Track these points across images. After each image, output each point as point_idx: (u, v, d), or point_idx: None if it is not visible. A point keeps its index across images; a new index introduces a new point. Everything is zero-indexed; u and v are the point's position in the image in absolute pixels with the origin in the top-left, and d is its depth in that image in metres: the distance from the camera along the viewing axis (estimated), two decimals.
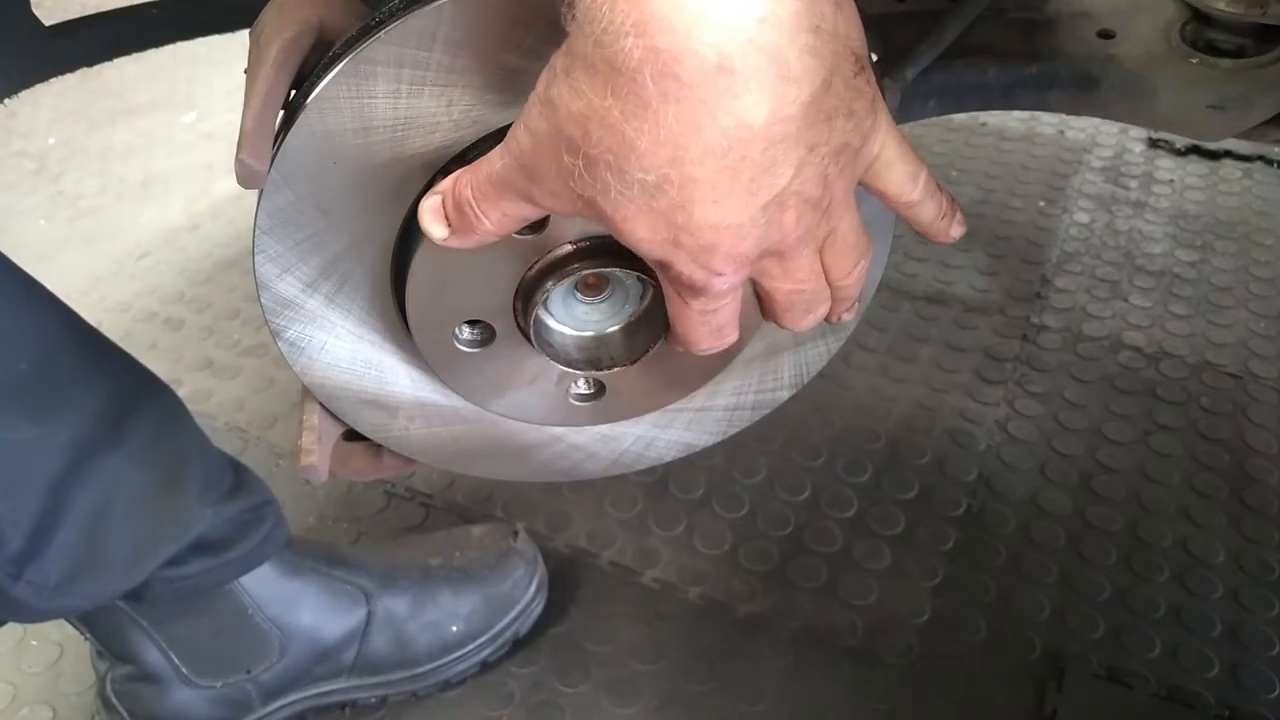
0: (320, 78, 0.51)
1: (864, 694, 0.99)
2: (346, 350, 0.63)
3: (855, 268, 0.48)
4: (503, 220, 0.45)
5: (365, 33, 0.49)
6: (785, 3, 0.34)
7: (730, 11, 0.34)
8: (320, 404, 0.66)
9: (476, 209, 0.45)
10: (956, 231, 0.51)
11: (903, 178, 0.47)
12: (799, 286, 0.46)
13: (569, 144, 0.39)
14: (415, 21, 0.48)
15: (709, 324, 0.47)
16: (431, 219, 0.46)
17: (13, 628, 1.05)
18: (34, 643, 1.07)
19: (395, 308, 0.60)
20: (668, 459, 0.75)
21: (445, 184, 0.47)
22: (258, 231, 0.56)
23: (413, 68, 0.49)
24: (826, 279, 0.47)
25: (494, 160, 0.44)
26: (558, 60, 0.39)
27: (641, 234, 0.41)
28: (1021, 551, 1.12)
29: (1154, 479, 1.20)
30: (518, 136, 0.42)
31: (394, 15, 0.49)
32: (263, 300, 0.59)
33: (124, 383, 0.81)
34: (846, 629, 1.05)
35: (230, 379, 1.38)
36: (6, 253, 0.75)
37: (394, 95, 0.50)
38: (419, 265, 0.55)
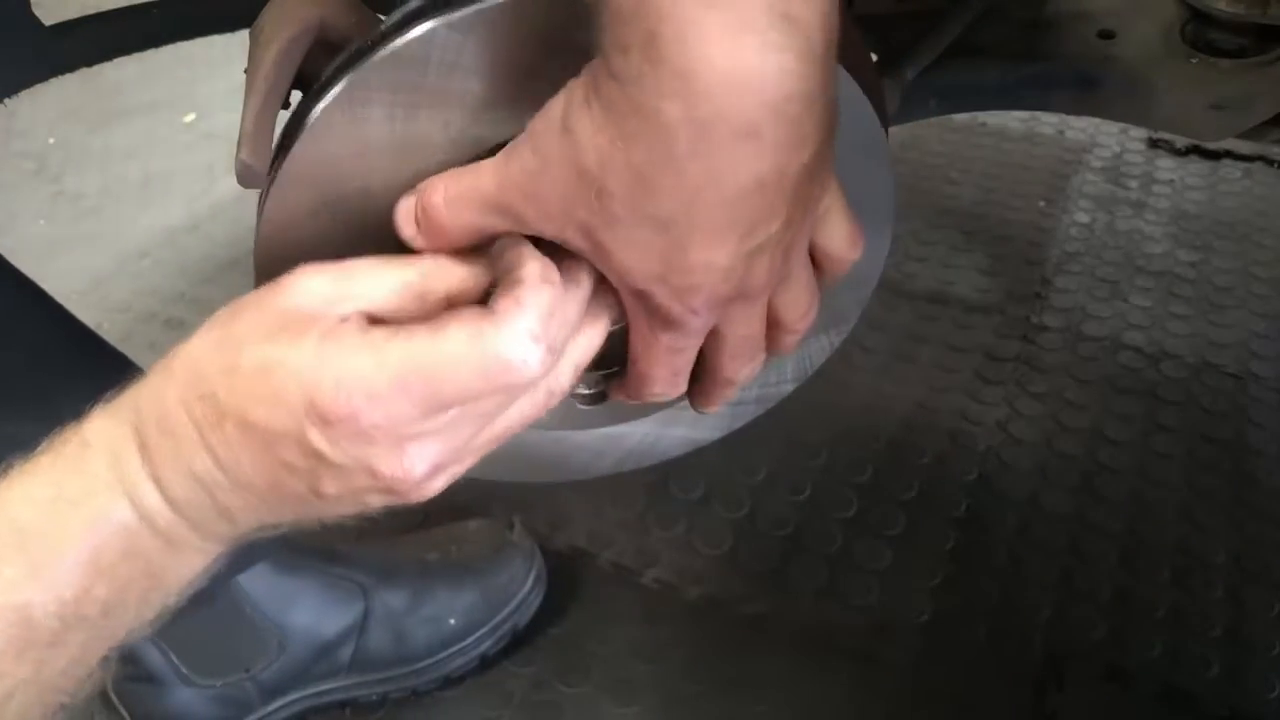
0: (314, 103, 0.50)
1: (864, 694, 0.99)
2: None
3: (810, 309, 0.49)
4: (472, 233, 0.46)
5: (358, 56, 0.49)
6: (810, 79, 0.36)
7: (767, 90, 0.36)
8: None
9: (446, 218, 0.46)
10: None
11: (845, 234, 0.48)
12: (751, 332, 0.48)
13: (583, 174, 0.39)
14: (408, 45, 0.48)
15: (671, 364, 0.48)
16: (403, 219, 0.47)
17: None
18: None
19: None
20: (673, 455, 0.75)
21: (424, 185, 0.47)
22: (257, 262, 0.55)
23: (408, 91, 0.49)
24: (781, 324, 0.49)
25: (483, 175, 0.44)
26: (578, 90, 0.39)
27: (631, 264, 0.41)
28: (1021, 551, 1.12)
29: (1154, 479, 1.20)
30: (522, 158, 0.42)
31: (386, 37, 0.49)
32: None
33: (119, 381, 0.81)
34: (846, 629, 1.05)
35: None
36: (6, 253, 0.75)
37: (389, 120, 0.50)
38: None
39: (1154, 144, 1.81)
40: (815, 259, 0.49)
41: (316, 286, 0.43)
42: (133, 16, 0.91)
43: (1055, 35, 0.79)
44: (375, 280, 0.43)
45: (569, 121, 0.40)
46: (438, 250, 0.47)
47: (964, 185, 1.73)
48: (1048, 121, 1.88)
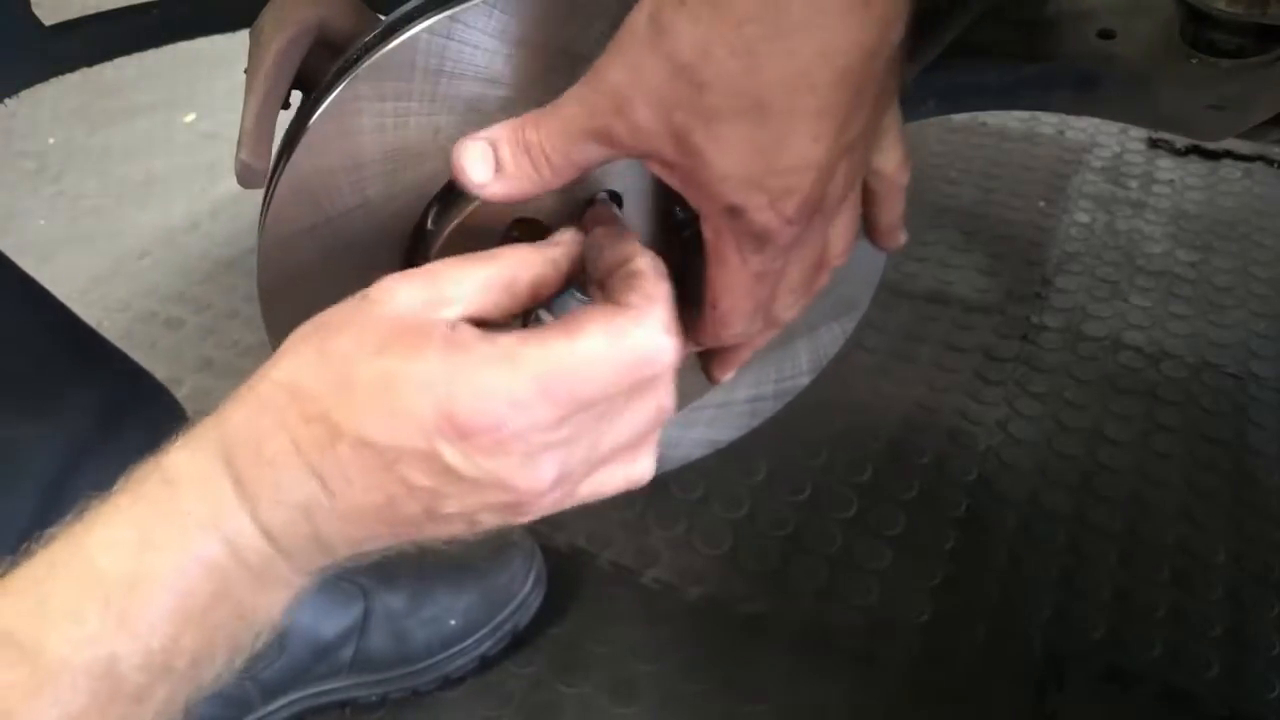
0: (306, 118, 0.50)
1: (864, 694, 0.99)
2: None
3: (851, 241, 0.49)
4: (570, 168, 0.45)
5: (346, 67, 0.49)
6: None
7: None
8: None
9: (546, 155, 0.45)
10: (903, 238, 0.54)
11: (900, 157, 0.48)
12: (813, 259, 0.48)
13: (681, 69, 0.39)
14: (392, 53, 0.48)
15: (756, 295, 0.47)
16: (476, 159, 0.45)
17: None
18: None
19: None
20: (695, 457, 0.75)
21: (497, 130, 0.46)
22: (260, 279, 0.55)
23: (395, 99, 0.49)
24: (824, 257, 0.49)
25: (566, 107, 0.44)
26: None
27: (728, 168, 0.41)
28: (1021, 552, 1.12)
29: (1154, 479, 1.20)
30: (608, 76, 0.42)
31: (370, 47, 0.49)
32: (274, 346, 0.58)
33: (121, 382, 0.81)
34: (846, 629, 1.05)
35: (230, 379, 1.37)
36: (7, 252, 0.75)
37: (380, 130, 0.50)
38: None
39: (1154, 144, 1.81)
40: (866, 182, 0.49)
41: (412, 295, 0.41)
42: (133, 16, 0.91)
43: (1055, 35, 0.78)
44: (464, 280, 0.42)
45: (661, 22, 0.40)
46: (511, 196, 0.46)
47: (964, 185, 1.73)
48: (1048, 121, 1.88)
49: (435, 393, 0.38)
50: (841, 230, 0.48)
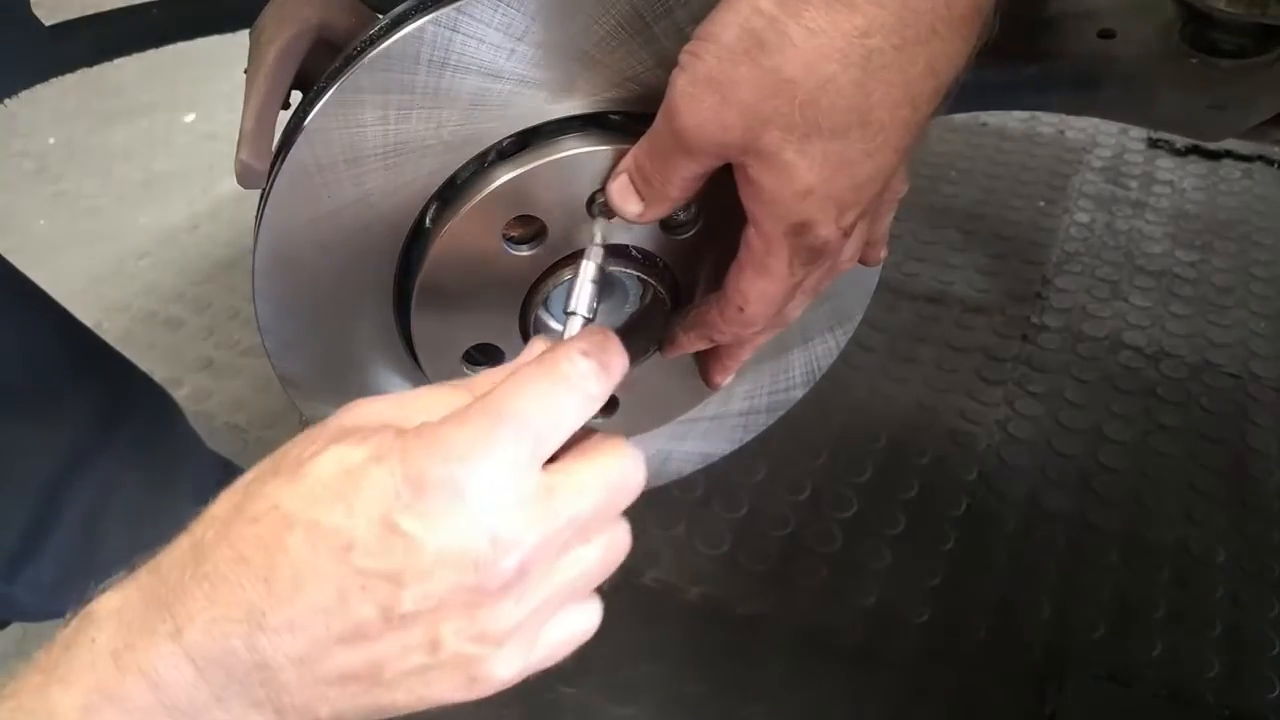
0: (307, 110, 0.50)
1: (864, 694, 0.99)
2: (354, 387, 0.62)
3: (863, 244, 0.50)
4: (684, 184, 0.46)
5: (349, 60, 0.49)
6: None
7: None
8: None
9: (660, 178, 0.46)
10: (885, 252, 0.55)
11: (904, 169, 0.48)
12: (844, 259, 0.49)
13: (786, 84, 0.40)
14: (397, 44, 0.48)
15: (786, 300, 0.49)
16: (624, 196, 0.47)
17: (14, 627, 1.05)
18: (35, 643, 1.07)
19: (401, 340, 0.59)
20: (687, 471, 0.75)
21: (626, 163, 0.48)
22: (256, 274, 0.55)
23: (399, 91, 0.49)
24: (840, 261, 0.50)
25: (661, 130, 0.45)
26: (758, 6, 0.40)
27: (813, 183, 0.41)
28: (1021, 551, 1.12)
29: (1154, 479, 1.20)
30: (698, 94, 0.42)
31: (375, 39, 0.49)
32: (265, 343, 0.58)
33: (119, 385, 0.81)
34: (846, 629, 1.05)
35: (230, 379, 1.38)
36: (6, 253, 0.75)
37: (382, 122, 0.50)
38: (422, 294, 0.55)
39: (1154, 144, 1.81)
40: None
41: (376, 409, 0.41)
42: (133, 16, 0.91)
43: (1055, 35, 0.79)
44: (432, 406, 0.41)
45: (761, 34, 0.40)
46: (656, 217, 0.48)
47: (964, 185, 1.72)
48: (1048, 121, 1.88)
49: (390, 461, 0.37)
50: (881, 230, 0.50)
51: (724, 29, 0.41)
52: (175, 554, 0.39)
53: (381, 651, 0.37)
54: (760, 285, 0.48)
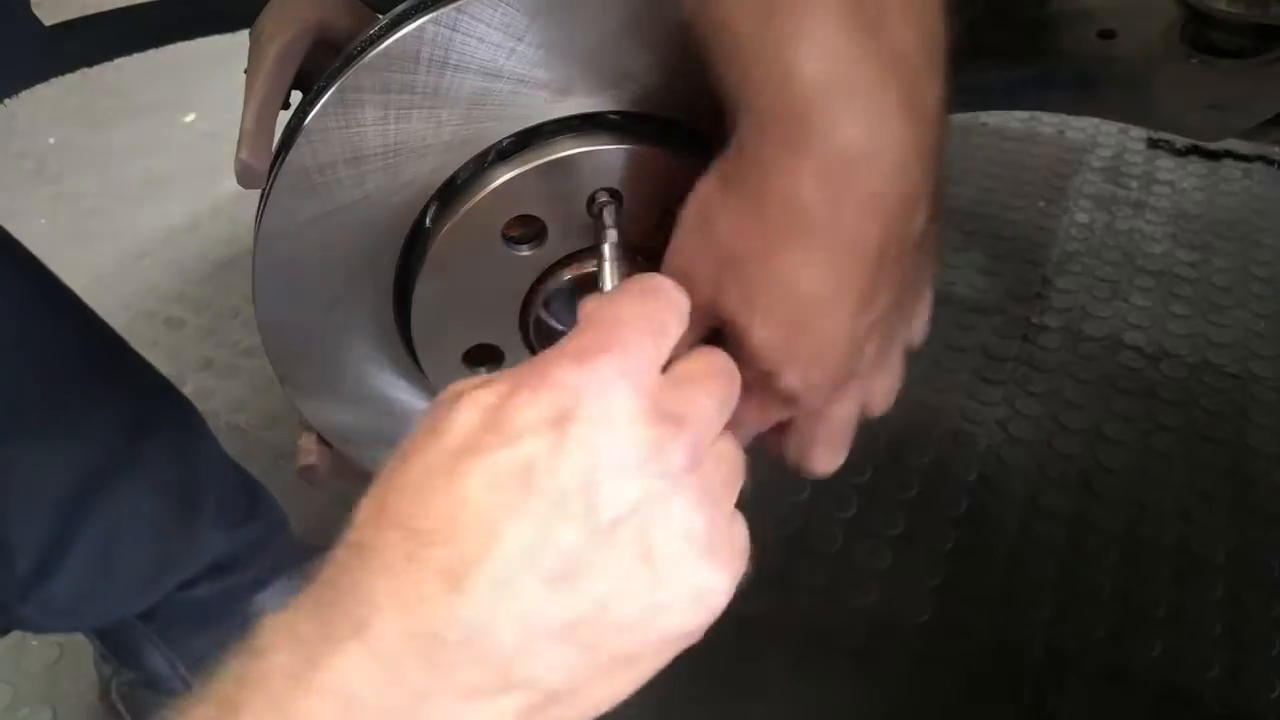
0: (307, 110, 0.50)
1: (864, 694, 0.99)
2: (353, 386, 0.62)
3: (893, 394, 0.52)
4: (697, 309, 0.45)
5: (349, 60, 0.49)
6: (927, 148, 0.40)
7: (892, 159, 0.39)
8: None
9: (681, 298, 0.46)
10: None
11: (922, 327, 0.52)
12: (850, 415, 0.50)
13: (727, 261, 0.42)
14: (398, 44, 0.48)
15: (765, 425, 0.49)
16: (684, 309, 0.46)
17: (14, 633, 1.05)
18: (34, 643, 1.06)
19: (401, 341, 0.59)
20: None
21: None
22: (256, 272, 0.55)
23: (400, 91, 0.49)
24: (866, 406, 0.51)
25: (667, 261, 0.47)
26: (712, 185, 0.43)
27: (768, 343, 0.43)
28: (1021, 552, 1.12)
29: (1154, 479, 1.20)
30: (673, 252, 0.45)
31: (375, 39, 0.49)
32: (265, 342, 0.58)
33: (144, 400, 0.80)
34: (847, 629, 1.05)
35: (231, 378, 1.38)
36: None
37: (382, 122, 0.50)
38: (421, 295, 0.55)
39: (1154, 144, 1.81)
40: None
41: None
42: (133, 16, 0.91)
43: (1055, 35, 0.79)
44: None
45: (707, 216, 0.43)
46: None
47: (964, 185, 1.72)
48: (1048, 121, 1.88)
49: (528, 385, 0.36)
50: (881, 388, 0.50)
51: (690, 204, 0.44)
52: (334, 565, 0.35)
53: (599, 580, 0.34)
54: (739, 413, 0.48)
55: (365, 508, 0.36)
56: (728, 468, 0.39)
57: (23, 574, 0.71)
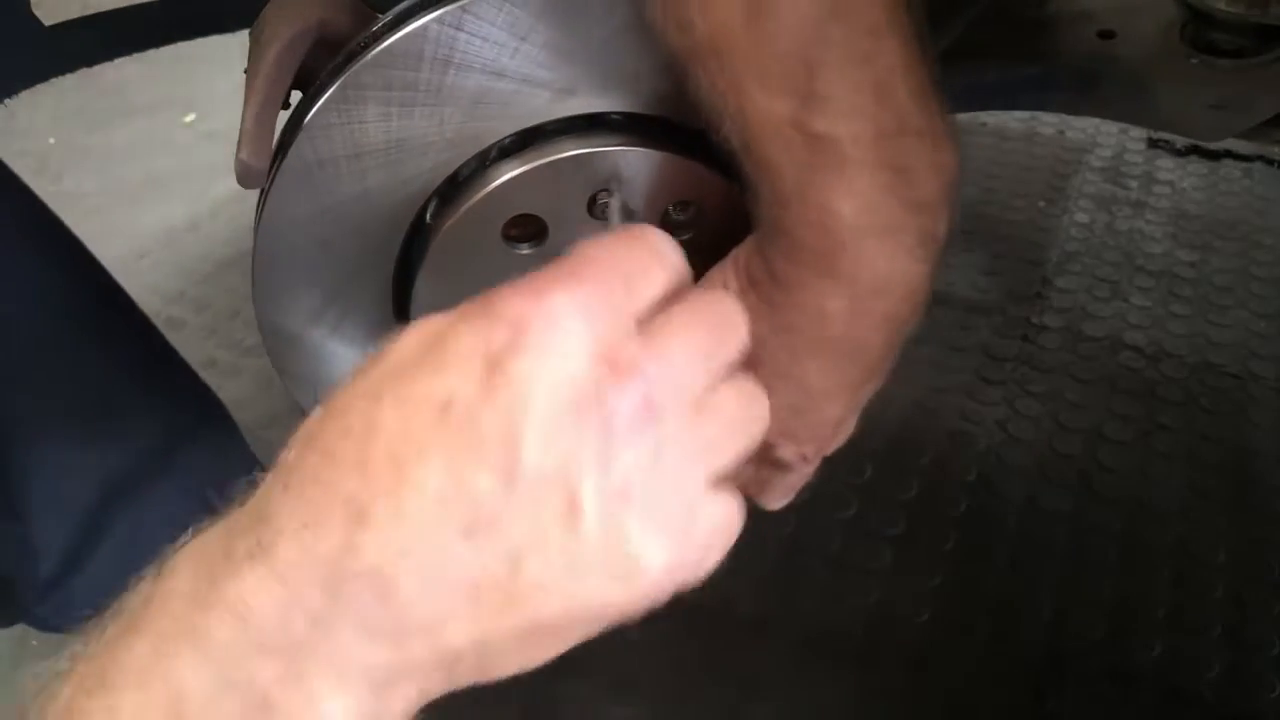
0: (309, 106, 0.50)
1: (864, 694, 0.99)
2: None
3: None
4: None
5: (351, 57, 0.49)
6: (930, 274, 0.47)
7: (909, 285, 0.46)
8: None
9: None
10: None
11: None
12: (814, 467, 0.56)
13: (748, 357, 0.44)
14: (401, 42, 0.48)
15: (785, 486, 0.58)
16: None
17: (14, 626, 1.05)
18: (34, 643, 1.06)
19: None
20: None
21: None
22: (255, 267, 0.55)
23: (402, 88, 0.49)
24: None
25: None
26: (731, 285, 0.48)
27: (772, 423, 0.42)
28: (1021, 551, 1.12)
29: (1154, 479, 1.20)
30: None
31: (378, 36, 0.49)
32: (264, 338, 0.58)
33: (185, 411, 0.79)
34: (846, 629, 1.05)
35: (232, 378, 1.38)
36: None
37: (384, 118, 0.50)
38: (421, 291, 0.55)
39: (1154, 144, 1.81)
40: None
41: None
42: (133, 16, 0.91)
43: (1055, 35, 0.79)
44: None
45: None
46: None
47: (964, 185, 1.71)
48: (1048, 121, 1.88)
49: (476, 313, 0.33)
50: (840, 437, 0.55)
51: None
52: (260, 487, 0.34)
53: (514, 534, 0.31)
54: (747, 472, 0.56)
55: (300, 430, 0.35)
56: (717, 430, 0.35)
57: (46, 577, 0.71)
